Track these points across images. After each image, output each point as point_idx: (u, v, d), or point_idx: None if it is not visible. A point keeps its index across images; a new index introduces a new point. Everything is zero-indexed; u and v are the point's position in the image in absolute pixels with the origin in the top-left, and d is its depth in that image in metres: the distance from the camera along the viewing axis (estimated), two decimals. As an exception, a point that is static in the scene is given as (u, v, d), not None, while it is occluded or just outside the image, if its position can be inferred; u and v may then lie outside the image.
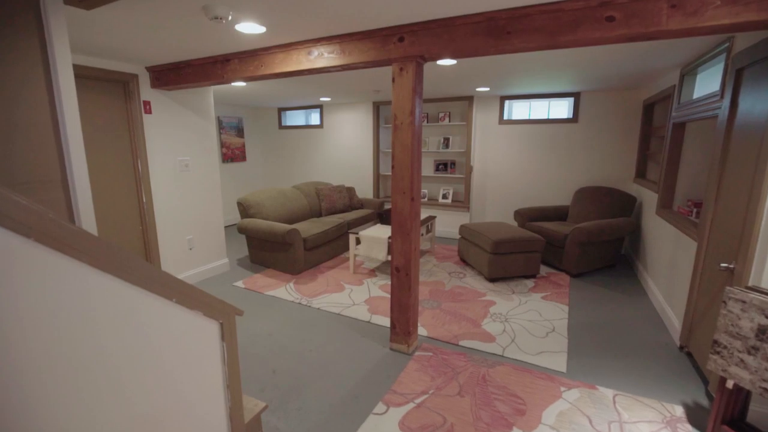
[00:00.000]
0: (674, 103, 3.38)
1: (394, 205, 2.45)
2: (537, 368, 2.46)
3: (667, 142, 3.48)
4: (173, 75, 3.18)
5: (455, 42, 2.08)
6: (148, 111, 3.37)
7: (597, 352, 2.66)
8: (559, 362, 2.51)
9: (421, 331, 2.92)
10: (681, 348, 2.68)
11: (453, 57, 2.19)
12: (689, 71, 3.15)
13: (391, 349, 2.67)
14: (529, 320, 3.09)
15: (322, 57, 2.47)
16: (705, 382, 2.31)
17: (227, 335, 1.37)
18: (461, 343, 2.74)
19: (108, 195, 3.20)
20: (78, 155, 1.75)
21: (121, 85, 3.22)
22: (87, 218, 1.77)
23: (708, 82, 2.94)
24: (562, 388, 2.25)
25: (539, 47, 1.94)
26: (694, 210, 3.10)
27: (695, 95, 3.15)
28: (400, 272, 2.52)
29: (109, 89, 3.15)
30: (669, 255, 3.19)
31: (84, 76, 2.94)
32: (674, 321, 2.89)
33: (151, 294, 1.07)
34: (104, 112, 3.13)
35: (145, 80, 3.32)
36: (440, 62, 3.16)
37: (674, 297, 2.97)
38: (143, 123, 3.33)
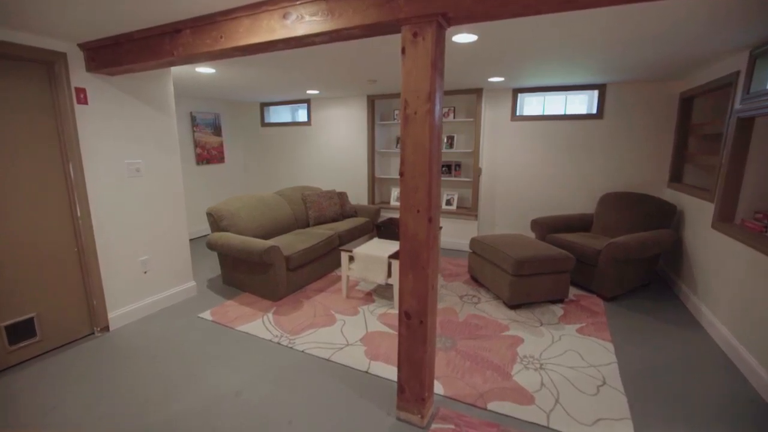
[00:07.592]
0: (739, 93, 2.76)
1: (404, 227, 1.77)
2: (599, 449, 1.81)
3: (727, 141, 2.86)
4: (111, 53, 2.45)
5: (497, -9, 1.40)
6: (83, 101, 2.63)
7: (668, 416, 2.01)
8: (625, 437, 1.86)
9: (436, 387, 2.24)
10: (776, 409, 2.05)
11: (489, 17, 1.52)
12: (763, 53, 2.53)
13: (399, 419, 1.98)
14: (571, 366, 2.44)
15: (303, 21, 1.77)
16: (836, 472, 1.68)
17: None
18: (490, 406, 2.07)
19: (28, 210, 2.45)
20: None
21: (43, 66, 2.48)
22: None
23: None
24: (644, 488, 1.60)
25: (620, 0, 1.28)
26: (771, 225, 2.49)
27: (770, 83, 2.53)
28: (412, 319, 1.84)
29: (26, 72, 2.40)
30: (739, 280, 2.56)
31: (-14, 52, 2.21)
32: (755, 366, 2.27)
33: None
34: (19, 103, 2.38)
35: (77, 61, 2.58)
36: (456, 38, 2.49)
37: (753, 336, 2.34)
38: (75, 117, 2.60)
